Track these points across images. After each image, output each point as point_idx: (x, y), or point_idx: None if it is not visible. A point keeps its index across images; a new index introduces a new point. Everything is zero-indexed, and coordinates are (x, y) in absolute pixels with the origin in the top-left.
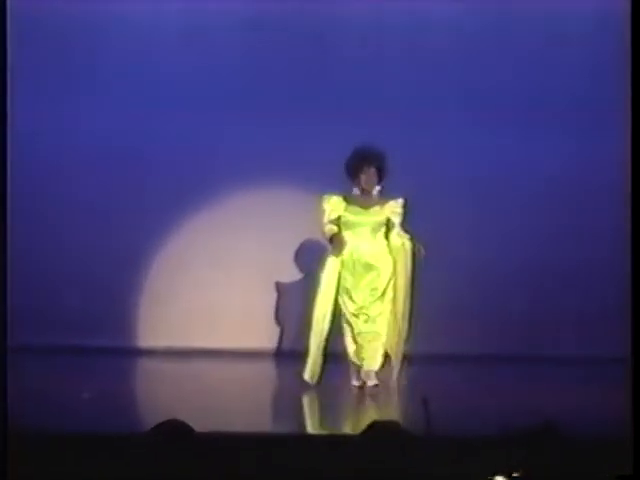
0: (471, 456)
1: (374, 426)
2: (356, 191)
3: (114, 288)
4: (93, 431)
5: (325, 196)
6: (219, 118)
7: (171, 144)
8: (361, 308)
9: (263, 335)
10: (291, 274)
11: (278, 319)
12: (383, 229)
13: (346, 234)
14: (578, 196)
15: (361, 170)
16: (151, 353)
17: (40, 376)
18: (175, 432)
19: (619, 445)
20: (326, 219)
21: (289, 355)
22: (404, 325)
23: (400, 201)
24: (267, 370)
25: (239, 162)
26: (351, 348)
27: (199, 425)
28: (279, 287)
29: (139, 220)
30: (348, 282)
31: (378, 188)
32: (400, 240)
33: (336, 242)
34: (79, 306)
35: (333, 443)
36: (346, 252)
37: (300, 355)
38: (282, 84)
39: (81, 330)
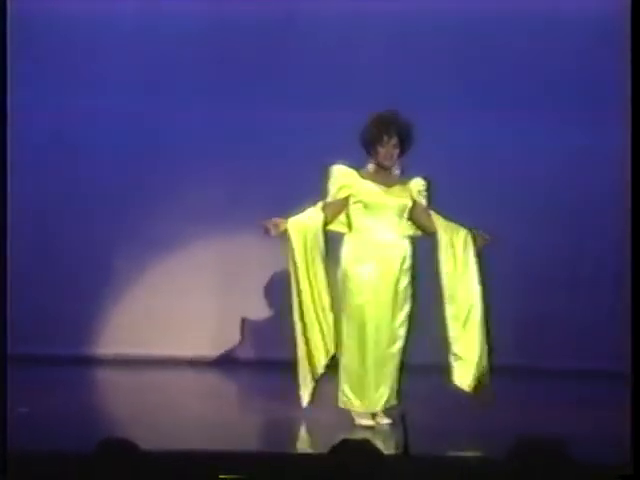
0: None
1: (344, 444)
2: (371, 167)
3: (71, 291)
4: (28, 449)
5: (334, 167)
6: (218, 117)
7: (168, 147)
8: (386, 320)
9: (225, 343)
10: (259, 278)
11: (243, 326)
12: (406, 215)
13: (364, 220)
14: (579, 202)
15: (379, 141)
16: (103, 361)
17: None
18: (119, 451)
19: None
20: (330, 198)
21: (252, 365)
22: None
23: (425, 180)
24: (230, 380)
25: (216, 160)
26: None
27: (151, 441)
28: (246, 292)
29: (110, 222)
30: (367, 285)
31: (398, 164)
32: (460, 231)
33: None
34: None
35: (298, 461)
36: (364, 243)
37: (265, 365)
38: (278, 77)
39: (31, 337)
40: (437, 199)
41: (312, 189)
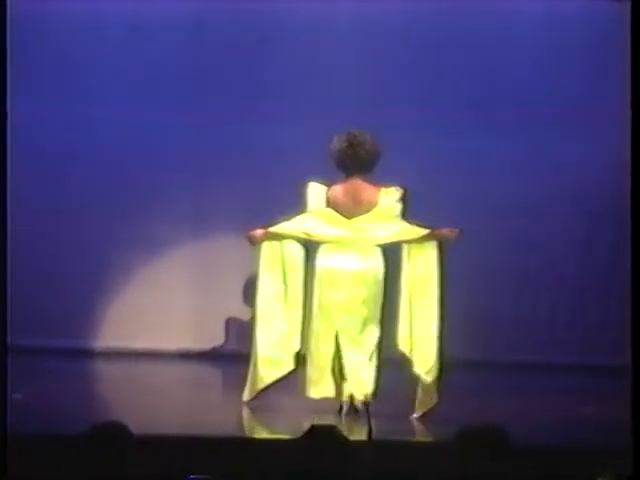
0: (411, 461)
1: (312, 430)
2: None
3: (59, 285)
4: (24, 432)
5: None
6: (217, 118)
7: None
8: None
9: (207, 337)
10: (237, 277)
11: (223, 320)
12: None
13: None
14: (578, 202)
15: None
16: (91, 353)
17: None
18: (111, 433)
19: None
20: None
21: (231, 357)
22: None
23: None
24: (208, 372)
25: (194, 161)
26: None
27: (137, 427)
28: (225, 290)
29: (103, 223)
30: None
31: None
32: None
33: None
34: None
35: (271, 446)
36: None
37: (243, 357)
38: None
39: (23, 328)
40: (436, 207)
41: (288, 187)
